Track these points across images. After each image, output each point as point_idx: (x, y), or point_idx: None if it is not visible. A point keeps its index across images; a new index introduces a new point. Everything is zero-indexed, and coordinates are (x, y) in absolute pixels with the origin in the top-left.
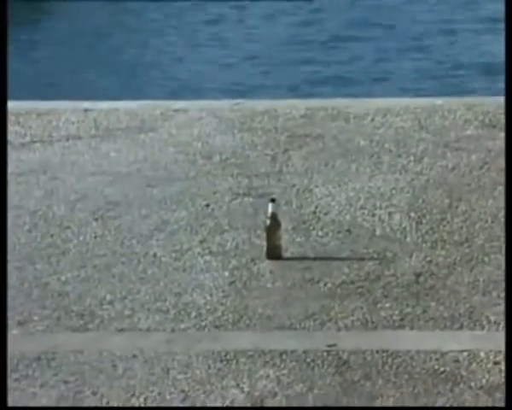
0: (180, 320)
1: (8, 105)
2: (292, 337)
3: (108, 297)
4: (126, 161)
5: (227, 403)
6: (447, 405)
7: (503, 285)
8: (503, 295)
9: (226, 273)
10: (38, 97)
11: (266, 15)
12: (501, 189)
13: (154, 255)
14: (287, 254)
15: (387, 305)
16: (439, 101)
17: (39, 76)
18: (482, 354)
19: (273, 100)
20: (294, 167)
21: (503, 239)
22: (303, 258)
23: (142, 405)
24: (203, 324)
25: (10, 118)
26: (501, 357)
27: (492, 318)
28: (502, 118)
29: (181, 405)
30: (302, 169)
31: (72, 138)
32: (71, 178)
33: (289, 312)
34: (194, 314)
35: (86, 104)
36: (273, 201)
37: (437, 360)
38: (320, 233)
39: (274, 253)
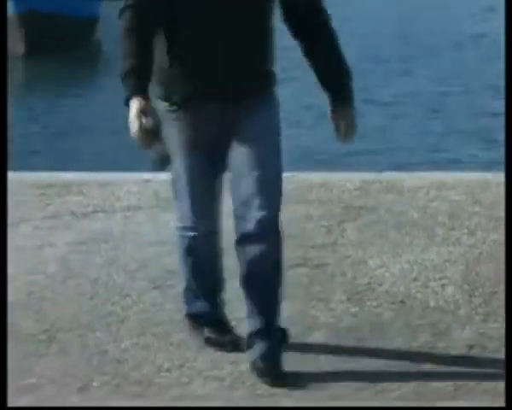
0: (235, 388)
1: (70, 176)
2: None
3: (166, 365)
4: None
5: None
6: None
7: None
8: None
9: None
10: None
11: None
12: None
13: None
14: (341, 325)
15: (440, 376)
16: (490, 175)
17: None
18: None
19: (328, 172)
20: (349, 239)
21: None
22: (357, 328)
23: None
24: (258, 392)
25: (72, 188)
26: None
27: None
28: None
29: None
30: (357, 241)
31: (133, 209)
32: (131, 247)
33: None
34: (249, 383)
35: (147, 176)
36: None
37: None
38: (374, 304)
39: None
